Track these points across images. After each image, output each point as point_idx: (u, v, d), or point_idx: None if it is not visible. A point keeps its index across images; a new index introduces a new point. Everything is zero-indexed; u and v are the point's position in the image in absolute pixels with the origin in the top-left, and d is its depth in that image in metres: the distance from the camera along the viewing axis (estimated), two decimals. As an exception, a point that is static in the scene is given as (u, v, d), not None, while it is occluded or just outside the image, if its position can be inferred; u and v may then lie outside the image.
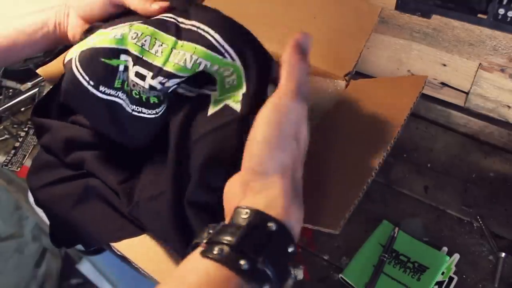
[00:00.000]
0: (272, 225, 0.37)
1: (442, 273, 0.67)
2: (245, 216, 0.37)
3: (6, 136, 0.90)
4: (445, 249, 0.70)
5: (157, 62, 0.50)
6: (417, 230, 0.73)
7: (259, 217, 0.37)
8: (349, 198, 0.44)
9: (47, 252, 1.50)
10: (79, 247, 1.04)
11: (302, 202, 0.41)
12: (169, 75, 0.50)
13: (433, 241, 0.71)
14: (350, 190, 0.46)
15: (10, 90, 0.97)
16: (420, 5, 0.69)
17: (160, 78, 0.50)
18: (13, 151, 0.86)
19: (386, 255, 0.69)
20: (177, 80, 0.50)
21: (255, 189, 0.40)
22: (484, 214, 0.73)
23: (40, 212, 0.63)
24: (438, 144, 0.85)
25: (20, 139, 0.88)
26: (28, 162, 0.84)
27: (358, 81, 0.65)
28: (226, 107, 0.48)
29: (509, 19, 0.61)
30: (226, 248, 0.35)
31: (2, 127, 0.92)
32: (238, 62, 0.49)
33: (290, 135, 0.41)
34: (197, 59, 0.49)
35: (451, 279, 0.67)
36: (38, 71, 0.77)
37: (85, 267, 1.39)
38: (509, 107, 0.79)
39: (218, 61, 0.49)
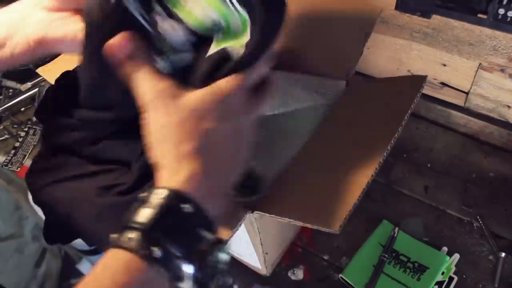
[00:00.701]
0: (187, 206, 0.35)
1: (442, 273, 0.67)
2: (162, 196, 0.35)
3: (6, 136, 0.90)
4: (445, 249, 0.70)
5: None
6: (417, 230, 0.73)
7: (174, 198, 0.35)
8: (349, 198, 0.44)
9: (47, 252, 1.49)
10: (79, 247, 1.04)
11: (226, 190, 0.39)
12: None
13: (433, 241, 0.71)
14: (350, 190, 0.46)
15: (10, 90, 0.97)
16: (420, 5, 0.70)
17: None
18: (13, 151, 0.86)
19: (386, 255, 0.69)
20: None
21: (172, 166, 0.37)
22: (484, 214, 0.73)
23: (40, 212, 0.62)
24: (438, 144, 0.85)
25: (20, 139, 0.88)
26: (28, 162, 0.84)
27: (359, 81, 0.65)
28: (226, 49, 0.44)
29: (509, 19, 0.61)
30: (137, 234, 0.33)
31: (2, 127, 0.92)
32: (244, 12, 0.43)
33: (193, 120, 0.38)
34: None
35: (451, 279, 0.67)
36: (38, 70, 0.77)
37: (85, 267, 1.39)
38: (509, 107, 0.79)
39: (224, 10, 0.44)
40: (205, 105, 0.38)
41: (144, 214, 0.34)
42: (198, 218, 0.35)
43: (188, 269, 0.33)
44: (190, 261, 0.33)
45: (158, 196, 0.35)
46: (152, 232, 0.33)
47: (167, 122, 0.38)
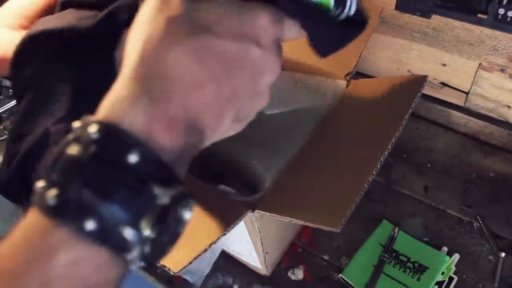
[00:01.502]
0: (93, 131, 0.25)
1: (442, 273, 0.67)
2: (92, 134, 0.25)
3: (6, 136, 0.90)
4: (445, 249, 0.70)
5: None
6: (417, 230, 0.73)
7: (79, 126, 0.26)
8: (349, 197, 0.44)
9: (47, 252, 1.50)
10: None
11: (159, 92, 0.27)
12: None
13: (433, 241, 0.71)
14: (351, 189, 0.46)
15: (10, 90, 0.97)
16: (420, 5, 0.70)
17: None
18: (13, 151, 0.86)
19: (386, 255, 0.69)
20: None
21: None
22: (484, 214, 0.73)
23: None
24: (438, 144, 0.85)
25: (20, 139, 0.88)
26: (28, 162, 0.84)
27: (359, 81, 0.65)
28: None
29: (509, 19, 0.61)
30: (56, 192, 0.24)
31: (2, 127, 0.92)
32: None
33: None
34: None
35: (451, 279, 0.67)
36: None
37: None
38: (509, 107, 0.79)
39: None
40: (218, 10, 0.28)
41: (65, 162, 0.25)
42: (148, 168, 0.25)
43: (132, 236, 0.25)
44: (136, 227, 0.25)
45: (87, 133, 0.25)
46: (75, 192, 0.24)
47: (156, 13, 0.28)
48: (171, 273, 0.42)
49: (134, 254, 0.25)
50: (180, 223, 0.27)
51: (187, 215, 0.27)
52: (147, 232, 0.25)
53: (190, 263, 0.43)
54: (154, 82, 0.27)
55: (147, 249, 0.26)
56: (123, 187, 0.24)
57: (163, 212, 0.26)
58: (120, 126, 0.25)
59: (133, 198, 0.25)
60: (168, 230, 0.26)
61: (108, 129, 0.25)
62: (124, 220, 0.24)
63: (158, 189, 0.25)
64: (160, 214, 0.25)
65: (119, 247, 0.25)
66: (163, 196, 0.25)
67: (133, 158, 0.25)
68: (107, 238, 0.24)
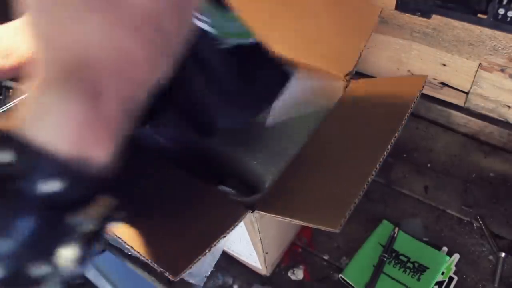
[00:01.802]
0: (6, 150, 0.20)
1: (442, 273, 0.67)
2: None
3: (6, 136, 0.90)
4: (445, 249, 0.70)
5: None
6: (417, 230, 0.73)
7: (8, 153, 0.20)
8: (349, 197, 0.44)
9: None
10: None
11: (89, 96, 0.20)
12: None
13: (433, 241, 0.71)
14: (350, 189, 0.46)
15: (10, 90, 0.97)
16: (420, 5, 0.70)
17: None
18: (13, 151, 0.86)
19: (386, 255, 0.69)
20: None
21: None
22: (484, 214, 0.73)
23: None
24: (438, 144, 0.85)
25: (20, 139, 0.88)
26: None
27: (358, 81, 0.65)
28: None
29: (509, 19, 0.61)
30: None
31: (2, 127, 0.92)
32: None
33: None
34: None
35: (451, 279, 0.67)
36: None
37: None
38: (509, 107, 0.79)
39: None
40: None
41: None
42: (70, 196, 0.20)
43: (47, 272, 0.21)
44: (52, 261, 0.21)
45: None
46: None
47: None
48: (172, 279, 0.42)
49: (50, 284, 0.22)
50: (102, 241, 0.23)
51: (109, 230, 0.23)
52: (65, 262, 0.21)
53: (190, 267, 0.42)
54: (78, 73, 0.20)
55: (64, 275, 0.22)
56: (38, 221, 0.20)
57: (86, 238, 0.22)
58: (40, 148, 0.19)
59: (49, 233, 0.20)
60: (90, 251, 0.22)
61: (24, 151, 0.19)
62: (37, 258, 0.21)
63: (79, 217, 0.21)
64: (84, 240, 0.22)
65: (32, 285, 0.21)
66: (86, 223, 0.21)
67: (52, 186, 0.20)
68: (18, 282, 0.21)
